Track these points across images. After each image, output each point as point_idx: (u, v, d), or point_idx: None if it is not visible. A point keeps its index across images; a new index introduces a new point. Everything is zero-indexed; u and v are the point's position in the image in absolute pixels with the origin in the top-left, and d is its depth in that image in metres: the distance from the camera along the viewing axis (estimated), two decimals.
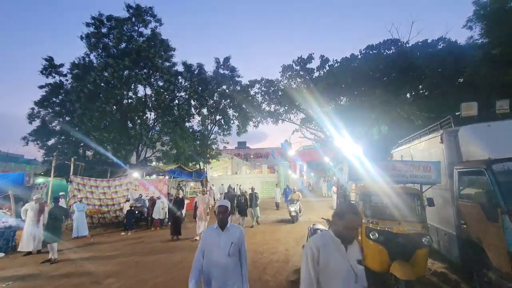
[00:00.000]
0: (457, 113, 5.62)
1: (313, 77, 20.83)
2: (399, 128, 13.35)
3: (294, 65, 21.66)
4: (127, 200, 12.42)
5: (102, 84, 18.33)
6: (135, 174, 15.00)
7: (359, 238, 5.27)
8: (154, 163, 21.40)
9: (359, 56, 17.94)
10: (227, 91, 23.53)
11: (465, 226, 4.81)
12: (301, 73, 21.44)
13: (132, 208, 11.65)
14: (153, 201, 12.68)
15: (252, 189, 12.94)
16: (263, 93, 23.41)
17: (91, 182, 12.72)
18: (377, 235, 4.71)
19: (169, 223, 10.87)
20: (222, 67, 23.75)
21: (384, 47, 17.04)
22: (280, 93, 22.68)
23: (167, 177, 15.57)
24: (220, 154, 24.90)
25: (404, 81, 13.53)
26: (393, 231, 4.68)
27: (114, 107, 19.46)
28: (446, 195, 5.56)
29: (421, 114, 11.70)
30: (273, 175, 30.68)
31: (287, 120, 24.32)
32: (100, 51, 19.21)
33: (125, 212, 11.66)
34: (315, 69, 20.91)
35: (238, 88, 23.46)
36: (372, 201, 5.29)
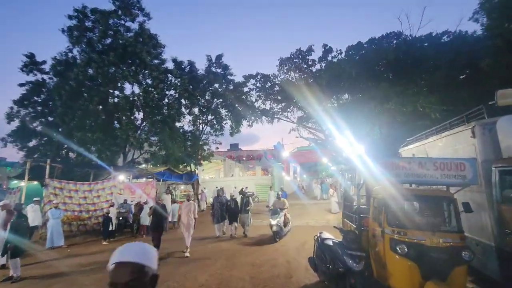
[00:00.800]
0: (490, 103, 4.82)
1: (314, 70, 19.76)
2: (403, 126, 12.66)
3: (293, 58, 20.46)
4: (111, 205, 11.40)
5: (86, 81, 17.16)
6: (121, 177, 13.96)
7: (379, 250, 4.41)
8: (143, 165, 20.24)
9: (366, 45, 16.78)
10: (219, 90, 22.48)
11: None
12: (301, 66, 20.25)
13: (108, 214, 10.54)
14: (140, 207, 11.70)
15: (244, 193, 11.79)
16: (258, 89, 22.15)
17: (70, 186, 11.63)
18: (405, 249, 3.84)
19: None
20: (214, 65, 22.71)
21: (386, 40, 16.06)
22: (277, 89, 21.51)
23: (155, 180, 14.54)
24: (212, 155, 23.75)
25: (416, 72, 12.79)
26: (425, 243, 3.82)
27: (100, 106, 18.28)
28: (479, 198, 4.74)
29: (439, 107, 10.98)
30: (267, 177, 29.84)
31: (283, 118, 23.16)
32: (83, 46, 18.02)
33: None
34: (317, 60, 19.83)
35: (231, 87, 22.44)
36: (394, 207, 4.43)
